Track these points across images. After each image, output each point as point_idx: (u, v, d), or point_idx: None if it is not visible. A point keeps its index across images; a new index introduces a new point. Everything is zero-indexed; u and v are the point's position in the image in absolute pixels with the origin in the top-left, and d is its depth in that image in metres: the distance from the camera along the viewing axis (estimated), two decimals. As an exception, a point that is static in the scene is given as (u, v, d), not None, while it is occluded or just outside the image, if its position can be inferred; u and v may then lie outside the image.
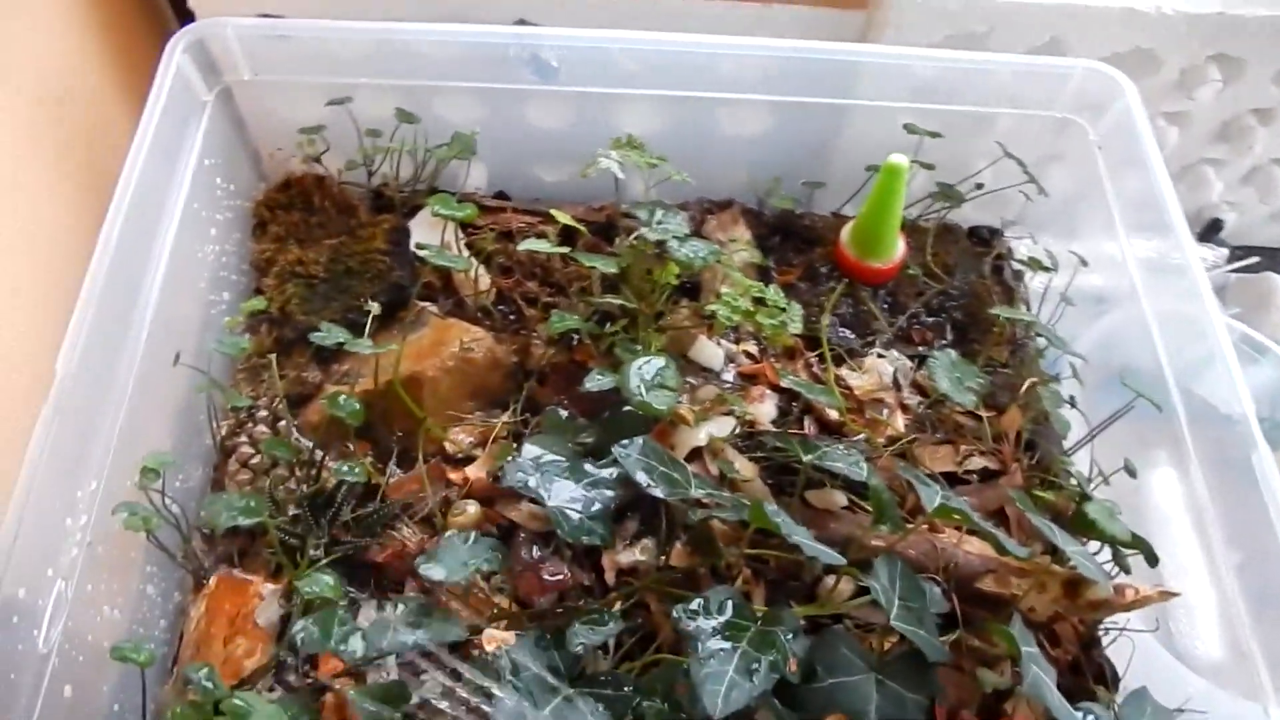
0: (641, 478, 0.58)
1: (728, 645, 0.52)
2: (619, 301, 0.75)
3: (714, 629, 0.53)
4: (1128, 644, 0.68)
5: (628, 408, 0.64)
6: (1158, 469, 0.73)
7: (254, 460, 0.74)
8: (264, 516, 0.62)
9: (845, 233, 0.85)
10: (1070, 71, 0.81)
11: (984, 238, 0.93)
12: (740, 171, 0.89)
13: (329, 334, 0.68)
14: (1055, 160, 0.87)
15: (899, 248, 0.84)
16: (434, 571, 0.59)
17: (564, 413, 0.72)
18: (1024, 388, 0.77)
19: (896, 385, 0.79)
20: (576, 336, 0.77)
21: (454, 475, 0.71)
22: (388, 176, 0.86)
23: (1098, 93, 0.81)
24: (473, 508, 0.68)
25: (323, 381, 0.77)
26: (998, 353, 0.82)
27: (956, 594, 0.63)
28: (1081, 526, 0.63)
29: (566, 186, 0.90)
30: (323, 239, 0.82)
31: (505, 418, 0.74)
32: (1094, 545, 0.65)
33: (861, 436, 0.74)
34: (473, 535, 0.62)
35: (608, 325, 0.75)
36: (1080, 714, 0.57)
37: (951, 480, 0.73)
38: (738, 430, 0.71)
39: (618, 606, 0.62)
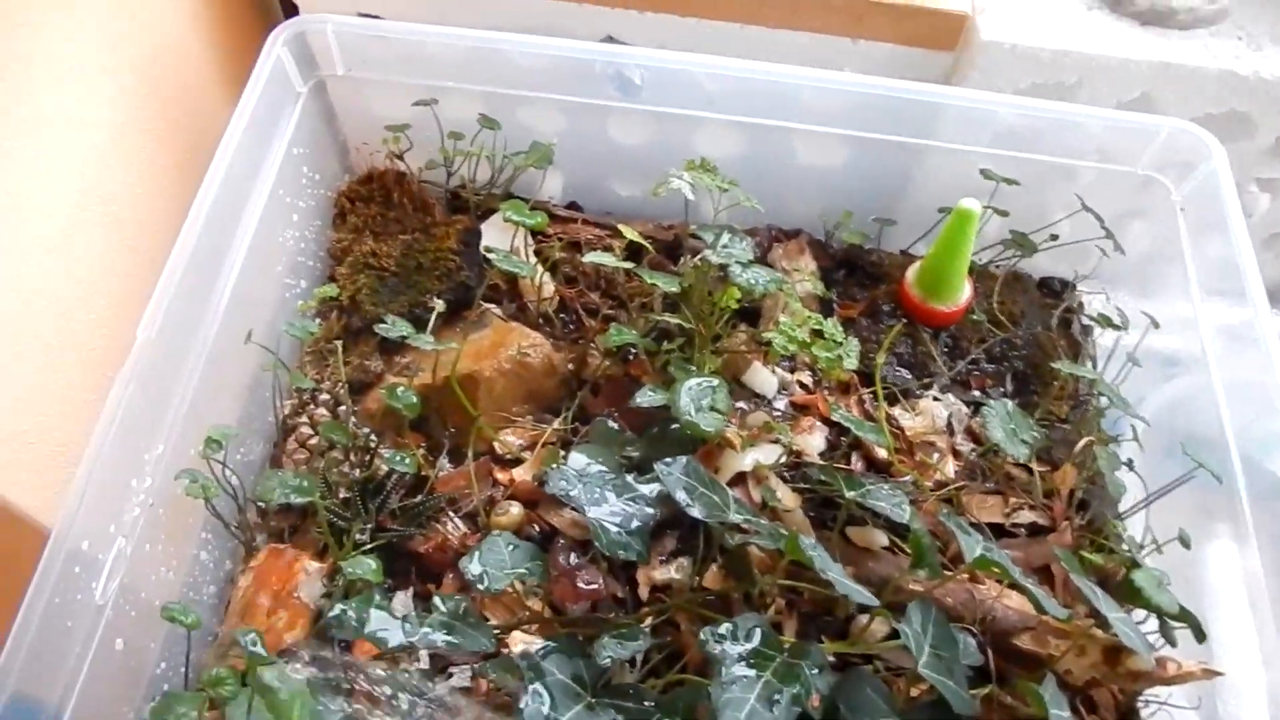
0: (681, 496, 0.59)
1: (752, 673, 0.53)
2: (678, 320, 0.75)
3: (740, 655, 0.53)
4: (1168, 718, 0.66)
5: (676, 426, 0.65)
6: (1215, 542, 0.71)
7: (311, 441, 0.77)
8: (315, 497, 0.64)
9: (911, 272, 0.85)
10: (1158, 129, 0.79)
11: (1055, 290, 0.92)
12: (812, 202, 0.89)
13: (394, 326, 0.69)
14: (1135, 217, 0.85)
15: (965, 292, 0.84)
16: (473, 568, 0.60)
17: (613, 424, 0.73)
18: (1080, 445, 0.76)
19: (950, 430, 0.79)
20: (633, 351, 0.78)
21: (501, 475, 0.72)
22: (465, 178, 0.88)
23: (1185, 153, 0.80)
24: (516, 509, 0.69)
25: (384, 372, 0.79)
26: (1058, 407, 0.81)
27: (992, 648, 0.62)
28: (1128, 593, 0.62)
29: (639, 202, 0.91)
30: (398, 234, 0.84)
31: (556, 424, 0.75)
32: (1141, 614, 0.63)
33: (909, 478, 0.73)
34: (515, 541, 0.63)
35: (664, 343, 0.76)
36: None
37: (999, 532, 0.72)
38: (784, 459, 0.71)
39: (648, 622, 0.63)
